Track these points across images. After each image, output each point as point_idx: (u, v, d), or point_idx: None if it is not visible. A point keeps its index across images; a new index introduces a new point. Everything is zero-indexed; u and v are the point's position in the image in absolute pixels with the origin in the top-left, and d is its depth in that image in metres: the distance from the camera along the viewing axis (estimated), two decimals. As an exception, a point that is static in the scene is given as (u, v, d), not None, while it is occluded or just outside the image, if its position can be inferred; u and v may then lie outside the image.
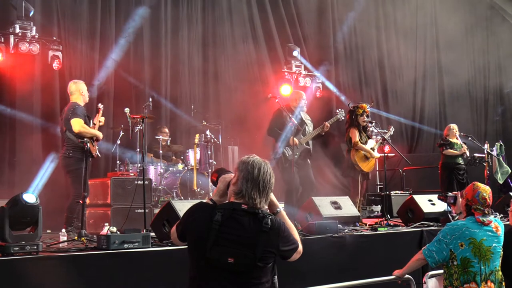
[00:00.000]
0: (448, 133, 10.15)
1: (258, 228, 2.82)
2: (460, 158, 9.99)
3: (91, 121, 7.06)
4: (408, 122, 14.28)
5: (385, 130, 9.89)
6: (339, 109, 9.05)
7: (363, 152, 8.59)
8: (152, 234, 5.47)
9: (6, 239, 4.51)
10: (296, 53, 11.75)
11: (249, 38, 11.73)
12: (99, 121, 7.16)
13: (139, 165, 8.44)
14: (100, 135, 6.98)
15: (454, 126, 10.19)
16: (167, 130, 9.94)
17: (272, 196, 3.02)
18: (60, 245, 5.34)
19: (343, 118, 8.91)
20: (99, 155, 7.06)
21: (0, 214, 4.58)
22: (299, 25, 12.48)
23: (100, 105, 7.43)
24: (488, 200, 4.23)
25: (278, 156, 8.15)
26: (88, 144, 6.56)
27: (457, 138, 10.07)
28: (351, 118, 8.77)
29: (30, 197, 4.70)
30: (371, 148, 8.69)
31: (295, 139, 8.09)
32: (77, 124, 6.68)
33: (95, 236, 5.45)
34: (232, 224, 2.82)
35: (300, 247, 3.03)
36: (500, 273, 4.22)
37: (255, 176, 2.89)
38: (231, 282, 2.81)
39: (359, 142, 8.57)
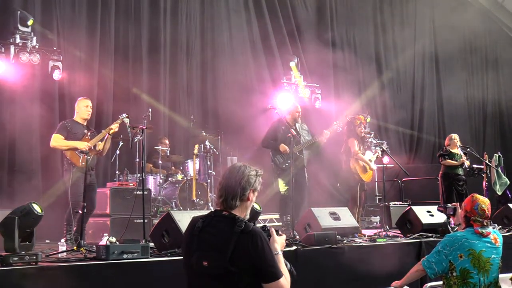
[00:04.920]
0: (449, 143, 10.07)
1: (231, 230, 2.85)
2: (460, 169, 9.92)
3: (88, 132, 7.06)
4: (407, 131, 14.30)
5: (384, 141, 9.89)
6: (336, 121, 9.01)
7: (361, 162, 8.59)
8: (151, 244, 5.47)
9: (16, 248, 4.52)
10: (293, 63, 11.72)
11: (248, 49, 11.75)
12: (110, 128, 7.05)
13: (138, 175, 8.44)
14: (79, 145, 6.81)
15: (455, 136, 10.12)
16: (167, 142, 9.95)
17: (273, 239, 2.99)
18: (59, 255, 5.33)
19: (340, 129, 8.90)
20: (84, 164, 6.84)
21: (11, 223, 4.57)
22: (298, 36, 12.52)
23: (123, 116, 7.19)
24: (487, 212, 4.25)
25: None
26: (68, 154, 6.73)
27: (457, 149, 10.05)
28: (350, 128, 8.77)
29: (38, 207, 4.73)
30: (368, 160, 8.71)
31: (286, 147, 8.14)
32: (52, 140, 6.90)
33: (94, 246, 5.44)
34: (209, 229, 2.92)
35: (283, 283, 2.85)
36: (499, 284, 4.23)
37: (226, 176, 3.01)
38: (209, 287, 2.88)
39: (359, 152, 8.56)
